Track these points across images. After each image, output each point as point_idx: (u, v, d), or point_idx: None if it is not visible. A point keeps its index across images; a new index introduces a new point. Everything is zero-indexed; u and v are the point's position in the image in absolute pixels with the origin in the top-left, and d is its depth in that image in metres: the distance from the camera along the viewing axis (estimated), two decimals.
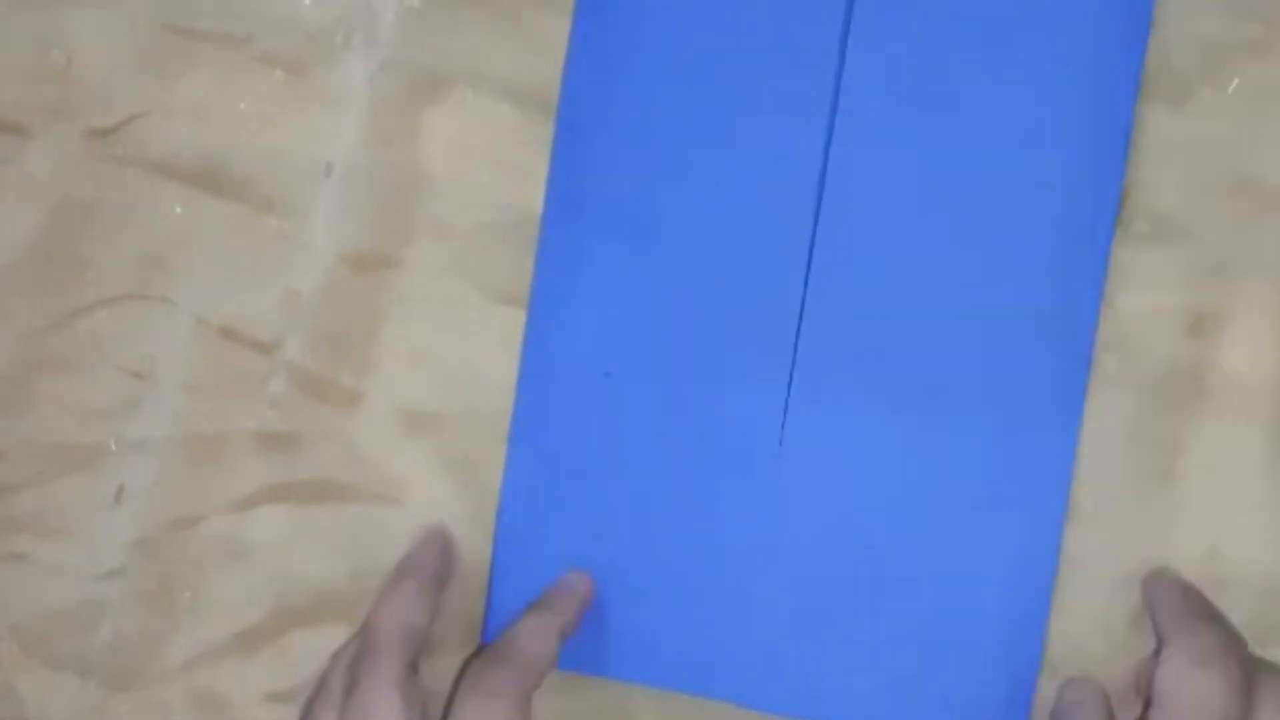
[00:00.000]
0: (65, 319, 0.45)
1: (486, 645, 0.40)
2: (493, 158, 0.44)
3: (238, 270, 0.45)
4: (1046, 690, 0.42)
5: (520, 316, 0.44)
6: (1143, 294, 0.42)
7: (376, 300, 0.44)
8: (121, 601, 0.45)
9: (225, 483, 0.45)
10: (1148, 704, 0.38)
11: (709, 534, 0.43)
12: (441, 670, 0.40)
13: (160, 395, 0.45)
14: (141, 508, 0.45)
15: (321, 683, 0.40)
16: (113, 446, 0.45)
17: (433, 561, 0.42)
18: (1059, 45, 0.42)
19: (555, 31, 0.44)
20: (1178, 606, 0.40)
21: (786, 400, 0.43)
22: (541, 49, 0.44)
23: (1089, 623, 0.42)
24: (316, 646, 0.44)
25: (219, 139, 0.45)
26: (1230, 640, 0.38)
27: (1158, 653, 0.39)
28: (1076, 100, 0.42)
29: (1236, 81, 0.43)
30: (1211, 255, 0.43)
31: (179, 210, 0.45)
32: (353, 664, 0.38)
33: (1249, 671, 0.37)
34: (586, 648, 0.43)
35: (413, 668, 0.38)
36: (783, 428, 0.43)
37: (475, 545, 0.44)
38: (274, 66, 0.45)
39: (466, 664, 0.39)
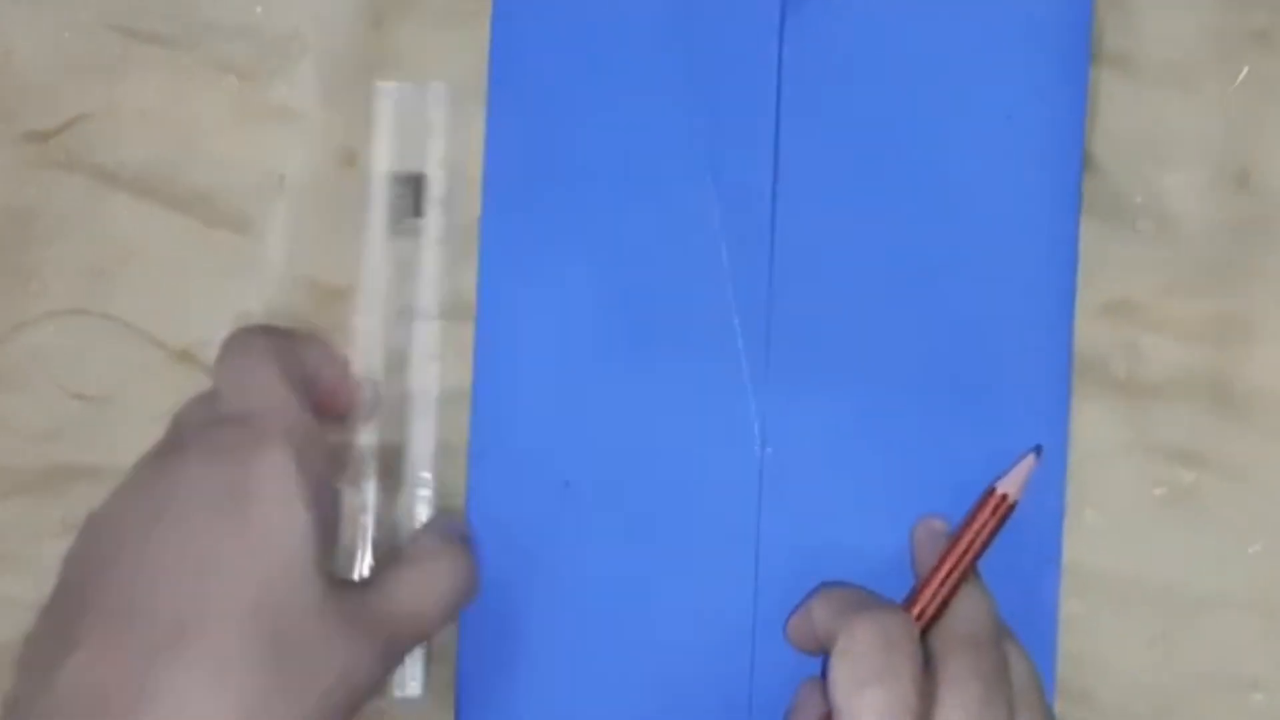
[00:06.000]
0: (5, 334, 0.44)
1: None
2: None
3: (189, 287, 0.44)
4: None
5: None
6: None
7: (337, 320, 0.43)
8: None
9: None
10: None
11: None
12: None
13: (111, 419, 0.43)
14: None
15: None
16: (58, 471, 0.44)
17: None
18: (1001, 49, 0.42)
19: None
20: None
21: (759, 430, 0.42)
22: None
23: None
24: None
25: (167, 146, 0.44)
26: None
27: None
28: (1027, 82, 0.41)
29: (1246, 70, 0.42)
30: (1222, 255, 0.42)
31: (125, 221, 0.44)
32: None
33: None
34: None
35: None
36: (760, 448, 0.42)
37: None
38: (226, 72, 0.44)
39: None
